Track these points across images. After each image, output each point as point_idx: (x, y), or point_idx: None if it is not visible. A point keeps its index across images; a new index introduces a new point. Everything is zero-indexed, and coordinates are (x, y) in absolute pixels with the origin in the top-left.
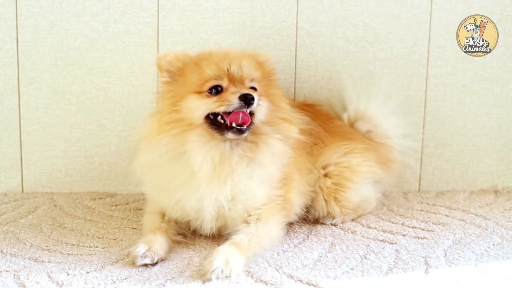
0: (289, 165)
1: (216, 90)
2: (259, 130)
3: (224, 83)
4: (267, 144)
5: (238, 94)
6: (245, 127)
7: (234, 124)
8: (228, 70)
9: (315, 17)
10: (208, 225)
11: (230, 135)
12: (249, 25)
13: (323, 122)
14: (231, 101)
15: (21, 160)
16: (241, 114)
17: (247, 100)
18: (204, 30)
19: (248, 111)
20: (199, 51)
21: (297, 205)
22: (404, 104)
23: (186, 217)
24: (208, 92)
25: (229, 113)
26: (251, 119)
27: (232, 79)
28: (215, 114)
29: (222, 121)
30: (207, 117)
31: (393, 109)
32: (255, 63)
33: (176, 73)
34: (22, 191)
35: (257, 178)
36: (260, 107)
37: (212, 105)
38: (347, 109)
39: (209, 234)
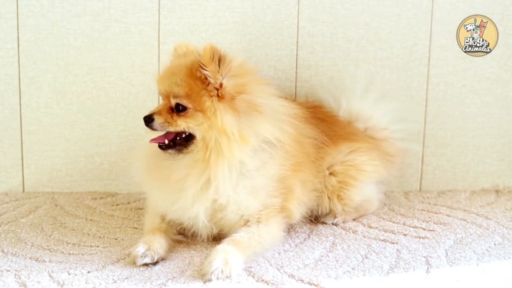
0: (290, 179)
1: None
2: (204, 146)
3: (162, 99)
4: (216, 162)
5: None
6: (161, 143)
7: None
8: (160, 89)
9: (316, 17)
10: (204, 232)
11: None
12: (250, 24)
13: (328, 123)
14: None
15: (22, 160)
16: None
17: (145, 121)
18: (205, 30)
19: (159, 130)
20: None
21: (297, 213)
22: (405, 103)
23: (181, 224)
24: None
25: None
26: (191, 136)
27: (164, 97)
28: None
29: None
30: None
31: (376, 98)
32: (186, 76)
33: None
34: (23, 191)
35: (243, 189)
36: (184, 125)
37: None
38: (338, 112)
39: (207, 239)
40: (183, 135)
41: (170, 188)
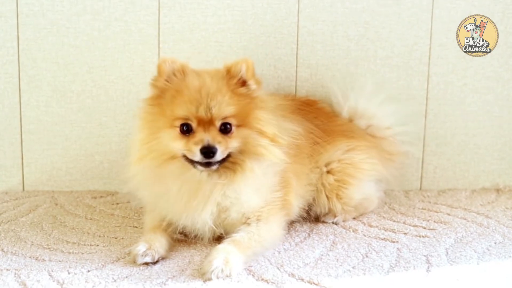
0: (287, 171)
1: (187, 128)
2: (237, 159)
3: (193, 124)
4: (243, 173)
5: (200, 147)
6: (213, 161)
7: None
8: (196, 113)
9: (316, 16)
10: (206, 234)
11: (199, 167)
12: (250, 23)
13: (326, 120)
14: (194, 152)
15: (22, 159)
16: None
17: (207, 154)
18: (205, 29)
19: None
20: (191, 68)
21: (296, 207)
22: (405, 102)
23: (186, 227)
24: (180, 129)
25: None
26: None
27: (201, 121)
28: None
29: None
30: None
31: (383, 99)
32: (231, 95)
33: (168, 86)
34: (23, 190)
35: (246, 191)
36: (236, 143)
37: (182, 147)
38: (342, 110)
39: (211, 239)
40: None
41: (192, 202)
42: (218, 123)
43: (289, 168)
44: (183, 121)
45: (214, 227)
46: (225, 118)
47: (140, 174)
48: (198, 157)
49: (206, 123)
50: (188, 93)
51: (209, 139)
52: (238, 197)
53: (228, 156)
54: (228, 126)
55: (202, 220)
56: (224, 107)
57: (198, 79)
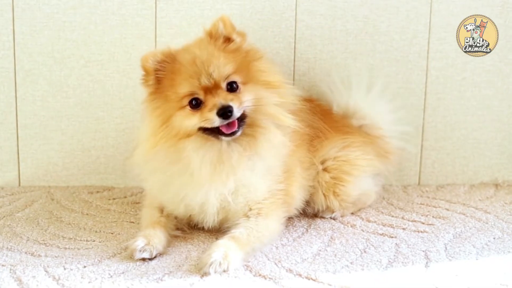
0: (290, 158)
1: (196, 102)
2: (255, 121)
3: (201, 96)
4: (266, 137)
5: (216, 110)
6: (236, 129)
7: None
8: (199, 84)
9: (314, 9)
10: (211, 218)
11: (224, 138)
12: (247, 17)
13: (322, 116)
14: (212, 119)
15: (18, 154)
16: (228, 125)
17: (225, 115)
18: (202, 22)
19: (238, 116)
20: (175, 49)
21: (298, 199)
22: (404, 97)
23: (190, 212)
24: (189, 106)
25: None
26: (244, 112)
27: (207, 89)
28: None
29: (213, 128)
30: (199, 128)
31: (376, 98)
32: (223, 54)
33: (161, 75)
34: (19, 185)
35: (258, 171)
36: (247, 98)
37: (197, 121)
38: (336, 106)
39: (211, 227)
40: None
41: (217, 169)
42: (223, 85)
43: (294, 155)
44: (190, 97)
45: (217, 211)
46: (228, 77)
47: (152, 160)
48: (217, 121)
49: (213, 89)
50: (184, 69)
51: (221, 101)
52: (250, 176)
53: (244, 117)
54: (234, 85)
55: (218, 194)
56: (223, 67)
57: (187, 53)
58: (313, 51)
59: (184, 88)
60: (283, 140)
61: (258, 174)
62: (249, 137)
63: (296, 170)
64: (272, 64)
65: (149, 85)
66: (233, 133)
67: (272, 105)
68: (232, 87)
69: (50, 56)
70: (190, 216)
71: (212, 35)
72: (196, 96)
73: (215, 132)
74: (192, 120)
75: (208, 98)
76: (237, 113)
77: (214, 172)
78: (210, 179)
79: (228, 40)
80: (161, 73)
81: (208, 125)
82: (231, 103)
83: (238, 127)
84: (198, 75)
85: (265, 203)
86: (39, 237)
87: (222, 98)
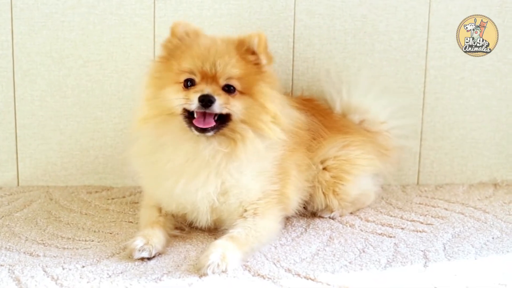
0: (286, 160)
1: (191, 84)
2: (237, 127)
3: (197, 78)
4: (244, 143)
5: (199, 94)
6: (208, 127)
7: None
8: (201, 67)
9: (313, 9)
10: (204, 218)
11: (194, 131)
12: (246, 16)
13: (321, 116)
14: (192, 100)
15: (17, 153)
16: (204, 118)
17: (204, 102)
18: (200, 22)
19: (218, 112)
20: (202, 31)
21: (294, 201)
22: (402, 96)
23: (182, 210)
24: (184, 84)
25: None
26: (230, 116)
27: (205, 76)
28: None
29: (191, 116)
30: (184, 109)
31: (377, 93)
32: (238, 59)
33: (179, 44)
34: (18, 185)
35: (248, 172)
36: (237, 105)
37: (182, 99)
38: (335, 105)
39: (205, 226)
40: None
41: (190, 166)
42: (222, 82)
43: (290, 158)
44: (187, 76)
45: (210, 210)
46: (229, 78)
47: (142, 138)
48: (195, 105)
49: (210, 78)
50: (197, 49)
51: (209, 90)
52: (239, 178)
53: (228, 120)
54: (232, 88)
55: (204, 193)
56: (230, 67)
57: (208, 40)
58: (312, 51)
59: (186, 64)
60: (262, 148)
61: (248, 175)
62: (229, 139)
63: (292, 173)
64: (280, 97)
65: (168, 47)
66: (204, 130)
67: (259, 120)
68: (229, 89)
69: (48, 56)
70: (184, 214)
71: (241, 42)
72: (192, 77)
73: (191, 121)
74: (178, 96)
75: (201, 83)
76: (217, 108)
77: (185, 164)
78: (180, 170)
79: (253, 53)
80: (179, 43)
81: (187, 106)
82: (216, 97)
83: (214, 128)
84: (204, 59)
85: (260, 203)
86: (38, 237)
87: (212, 89)
